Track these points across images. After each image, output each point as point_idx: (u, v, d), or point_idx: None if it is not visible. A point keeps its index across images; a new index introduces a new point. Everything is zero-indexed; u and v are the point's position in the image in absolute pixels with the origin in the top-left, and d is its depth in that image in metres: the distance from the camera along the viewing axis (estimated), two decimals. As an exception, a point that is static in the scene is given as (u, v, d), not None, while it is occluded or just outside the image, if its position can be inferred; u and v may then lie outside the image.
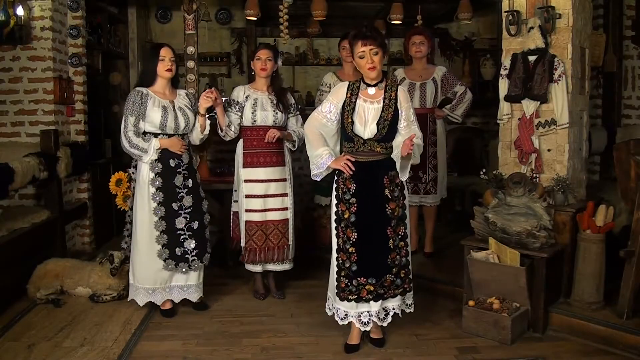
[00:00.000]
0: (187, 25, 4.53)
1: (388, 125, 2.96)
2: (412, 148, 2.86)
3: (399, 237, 3.05)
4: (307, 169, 3.28)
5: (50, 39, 4.55)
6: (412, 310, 3.19)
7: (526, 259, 3.24)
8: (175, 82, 3.61)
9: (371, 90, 3.01)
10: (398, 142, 2.99)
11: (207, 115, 3.61)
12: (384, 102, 2.98)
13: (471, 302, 3.33)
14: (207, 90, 3.55)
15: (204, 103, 3.52)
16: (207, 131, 3.62)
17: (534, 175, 3.53)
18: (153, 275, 3.52)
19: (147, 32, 7.12)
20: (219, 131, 3.74)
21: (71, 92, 4.87)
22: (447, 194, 4.63)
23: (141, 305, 3.58)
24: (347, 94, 3.02)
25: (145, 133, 3.46)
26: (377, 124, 2.95)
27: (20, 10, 4.36)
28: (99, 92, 5.73)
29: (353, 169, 2.95)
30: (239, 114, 3.74)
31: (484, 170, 3.73)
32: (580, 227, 3.29)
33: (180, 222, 3.52)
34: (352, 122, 2.98)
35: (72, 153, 4.55)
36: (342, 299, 3.05)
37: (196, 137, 3.64)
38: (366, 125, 2.97)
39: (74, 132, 4.97)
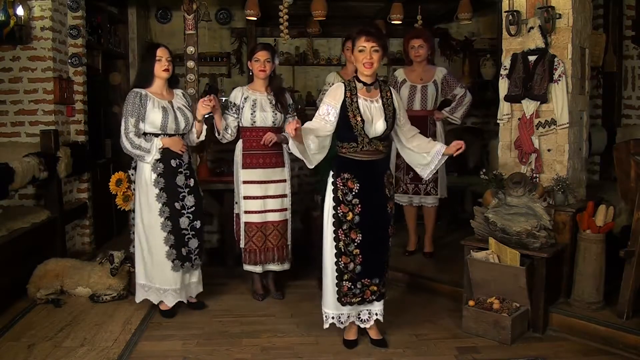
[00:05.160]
0: (187, 25, 4.53)
1: (391, 121, 3.00)
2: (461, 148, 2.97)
3: (390, 235, 3.15)
4: (307, 169, 3.26)
5: (50, 39, 4.56)
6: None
7: (526, 259, 3.24)
8: (172, 82, 3.60)
9: (368, 89, 3.02)
10: (421, 146, 3.09)
11: (204, 120, 3.60)
12: (382, 100, 3.00)
13: (471, 302, 3.33)
14: (205, 98, 3.50)
15: (202, 110, 3.49)
16: (202, 137, 3.63)
17: (534, 175, 3.53)
18: (165, 275, 3.52)
19: (147, 32, 7.12)
20: (217, 134, 3.73)
21: (71, 92, 4.87)
22: (447, 194, 4.62)
23: (155, 303, 3.59)
24: (345, 93, 2.97)
25: (145, 134, 3.45)
26: (386, 121, 2.96)
27: (20, 10, 4.37)
28: (99, 92, 5.72)
29: (297, 126, 2.74)
30: (236, 116, 3.73)
31: (484, 170, 3.74)
32: (580, 227, 3.29)
33: (184, 222, 3.53)
34: (363, 121, 2.93)
35: (72, 153, 4.55)
36: (344, 304, 3.03)
37: (192, 140, 3.66)
38: (372, 123, 2.96)
39: (74, 132, 4.98)
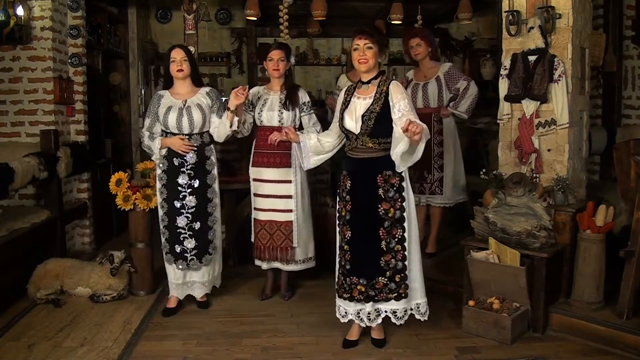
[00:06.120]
0: (187, 25, 4.54)
1: (375, 117, 2.93)
2: (416, 131, 2.64)
3: (395, 239, 2.99)
4: (308, 169, 3.37)
5: (50, 39, 4.56)
6: (425, 318, 3.15)
7: (526, 259, 3.24)
8: (195, 80, 3.61)
9: (365, 87, 3.04)
10: (397, 133, 2.87)
11: (236, 111, 3.49)
12: (374, 96, 2.99)
13: (471, 302, 3.33)
14: (239, 88, 3.46)
15: (235, 100, 3.43)
16: (234, 127, 3.52)
17: (534, 175, 3.53)
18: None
19: (147, 32, 7.12)
20: (235, 128, 3.62)
21: (71, 92, 4.87)
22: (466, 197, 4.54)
23: (169, 298, 3.66)
24: (344, 95, 3.11)
25: (163, 132, 3.56)
26: (362, 116, 2.95)
27: (20, 10, 4.37)
28: (99, 92, 5.73)
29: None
30: (252, 113, 3.75)
31: (484, 170, 3.73)
32: (580, 227, 3.29)
33: (181, 221, 3.54)
34: (342, 118, 3.03)
35: (72, 153, 4.55)
36: (339, 296, 3.10)
37: (223, 132, 3.55)
38: (357, 120, 2.98)
39: (74, 132, 4.98)
